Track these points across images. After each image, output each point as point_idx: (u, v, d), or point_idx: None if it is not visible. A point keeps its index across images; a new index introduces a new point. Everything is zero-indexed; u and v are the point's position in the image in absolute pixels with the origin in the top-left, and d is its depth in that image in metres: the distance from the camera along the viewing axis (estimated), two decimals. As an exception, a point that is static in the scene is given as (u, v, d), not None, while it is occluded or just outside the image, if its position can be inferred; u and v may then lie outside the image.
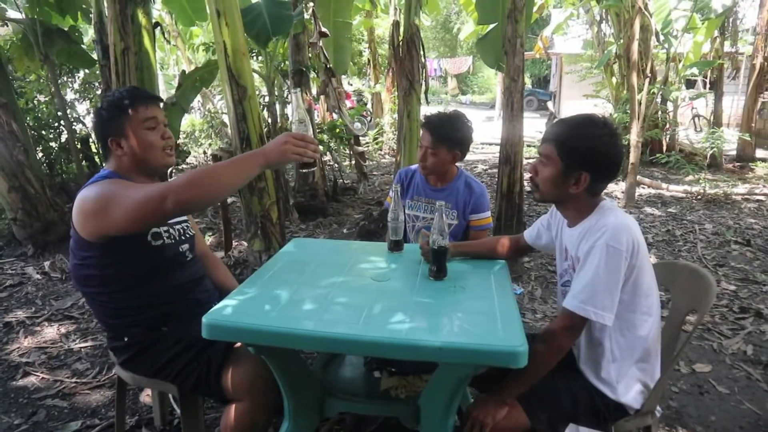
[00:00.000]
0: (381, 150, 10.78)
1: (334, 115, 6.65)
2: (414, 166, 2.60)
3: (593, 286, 1.42)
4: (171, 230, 1.80)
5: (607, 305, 1.41)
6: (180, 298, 1.77)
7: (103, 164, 1.81)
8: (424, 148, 2.38)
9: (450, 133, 2.36)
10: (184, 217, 1.92)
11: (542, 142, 1.60)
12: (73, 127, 5.81)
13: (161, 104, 1.80)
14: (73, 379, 2.64)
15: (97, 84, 6.55)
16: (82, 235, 1.60)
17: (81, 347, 2.97)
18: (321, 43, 5.39)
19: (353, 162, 7.48)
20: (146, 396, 2.46)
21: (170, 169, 7.11)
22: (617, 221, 1.46)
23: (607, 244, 1.42)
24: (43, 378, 2.66)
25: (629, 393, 1.53)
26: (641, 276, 1.48)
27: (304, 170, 1.67)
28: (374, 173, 8.47)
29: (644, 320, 1.51)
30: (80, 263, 1.67)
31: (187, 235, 1.89)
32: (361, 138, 7.92)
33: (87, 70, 6.39)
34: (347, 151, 7.39)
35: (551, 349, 1.46)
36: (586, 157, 1.50)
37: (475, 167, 9.19)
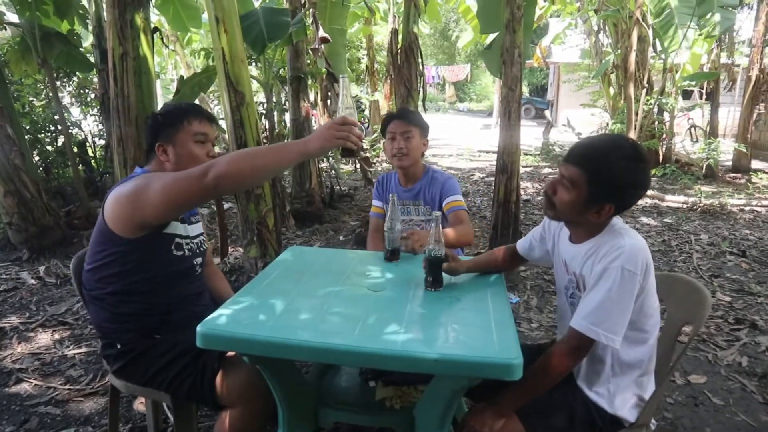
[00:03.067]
0: (378, 157, 10.80)
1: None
2: (391, 172, 2.66)
3: (605, 309, 1.39)
4: (191, 243, 1.83)
5: (618, 329, 1.39)
6: (180, 309, 1.77)
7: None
8: (397, 134, 2.42)
9: (419, 119, 2.48)
10: (201, 230, 1.95)
11: (567, 161, 1.49)
12: (70, 131, 5.80)
13: (214, 125, 1.85)
14: (67, 386, 2.62)
15: (89, 89, 6.55)
16: (114, 229, 1.61)
17: (75, 353, 2.96)
18: (323, 49, 5.41)
19: (355, 168, 7.48)
20: (140, 404, 2.45)
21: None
22: (633, 243, 1.42)
23: (623, 267, 1.39)
24: (36, 385, 2.64)
25: (625, 406, 1.52)
26: (648, 297, 1.47)
27: (346, 156, 1.66)
28: (375, 179, 8.48)
29: (646, 338, 1.51)
30: (101, 263, 1.68)
31: (202, 250, 1.91)
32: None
33: (81, 76, 6.39)
34: (345, 158, 7.39)
35: (556, 367, 1.45)
36: (617, 191, 1.44)
37: (472, 175, 9.20)
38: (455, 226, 2.37)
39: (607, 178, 1.42)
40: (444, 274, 1.79)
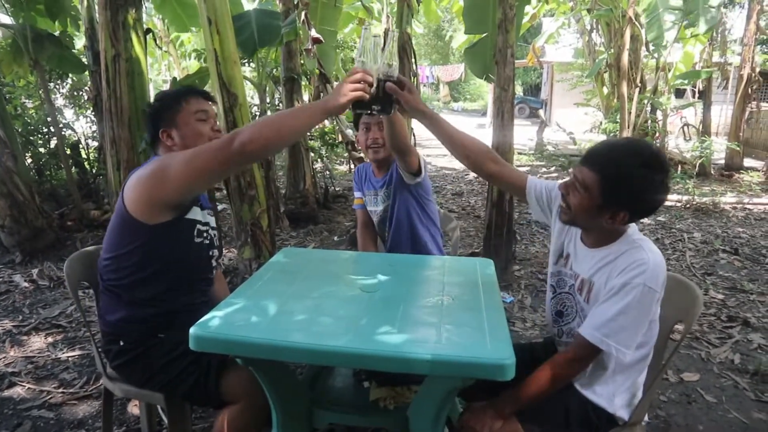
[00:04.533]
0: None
1: (326, 122, 6.66)
2: (368, 163, 2.60)
3: (620, 323, 1.38)
4: (210, 231, 1.86)
5: (630, 343, 1.39)
6: (184, 312, 1.75)
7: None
8: (372, 124, 2.36)
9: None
10: (214, 224, 1.96)
11: (583, 164, 1.46)
12: (63, 133, 5.78)
13: (212, 102, 1.88)
14: (60, 390, 2.61)
15: (84, 91, 6.53)
16: (135, 214, 1.62)
17: (68, 356, 2.94)
18: (315, 50, 5.40)
19: (350, 168, 7.48)
20: (134, 406, 2.44)
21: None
22: (656, 259, 1.41)
23: (645, 284, 1.37)
24: (29, 388, 2.62)
25: (621, 404, 1.53)
26: (657, 308, 1.47)
27: (359, 110, 1.62)
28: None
29: (646, 342, 1.51)
30: (123, 251, 1.67)
31: (216, 243, 1.92)
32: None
33: (74, 77, 6.37)
34: (337, 158, 7.39)
35: (561, 373, 1.45)
36: (631, 199, 1.41)
37: (466, 175, 9.21)
38: None
39: (622, 185, 1.38)
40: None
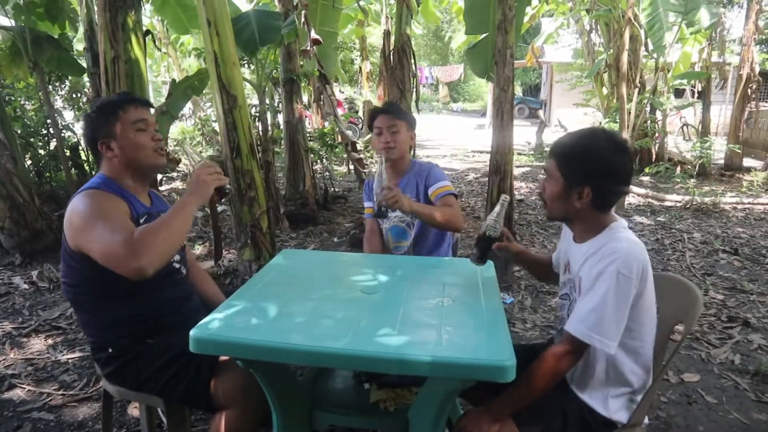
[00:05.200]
0: (372, 158, 10.80)
1: (325, 123, 6.67)
2: None
3: (600, 314, 1.39)
4: None
5: (612, 334, 1.39)
6: (169, 313, 1.76)
7: (93, 172, 1.81)
8: (384, 129, 2.43)
9: (405, 113, 2.53)
10: None
11: (548, 156, 1.59)
12: (62, 134, 5.78)
13: (151, 109, 1.81)
14: (60, 392, 2.61)
15: (83, 92, 6.53)
16: (70, 245, 1.60)
17: (68, 359, 2.94)
18: (314, 51, 5.41)
19: (350, 168, 7.48)
20: (134, 408, 2.44)
21: (160, 176, 7.07)
22: (629, 247, 1.42)
23: (618, 271, 1.39)
24: (29, 390, 2.62)
25: (618, 407, 1.53)
26: (644, 303, 1.47)
27: (219, 198, 1.72)
28: (364, 180, 8.48)
29: (641, 345, 1.51)
30: (73, 280, 1.67)
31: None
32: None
33: (71, 79, 6.36)
34: (337, 159, 7.39)
35: (550, 371, 1.45)
36: (588, 171, 1.48)
37: (466, 176, 9.22)
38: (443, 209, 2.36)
39: (575, 160, 1.50)
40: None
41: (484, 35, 5.06)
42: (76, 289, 1.69)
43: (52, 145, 6.00)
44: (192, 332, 1.39)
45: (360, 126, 12.82)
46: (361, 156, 7.66)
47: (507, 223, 4.02)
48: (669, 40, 7.30)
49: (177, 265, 1.84)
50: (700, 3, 6.61)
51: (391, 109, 2.53)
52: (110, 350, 1.71)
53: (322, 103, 6.24)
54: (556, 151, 1.55)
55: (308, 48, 5.07)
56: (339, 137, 6.58)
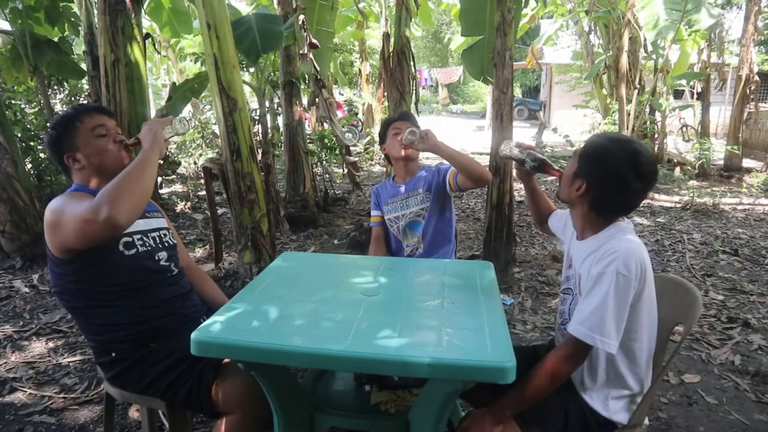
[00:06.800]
0: (372, 160, 10.81)
1: (325, 125, 6.67)
2: (384, 181, 2.85)
3: (601, 314, 1.40)
4: (145, 238, 1.79)
5: (613, 334, 1.40)
6: (168, 313, 1.76)
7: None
8: (402, 129, 2.54)
9: (417, 122, 2.71)
10: (164, 225, 1.92)
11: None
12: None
13: (108, 114, 1.83)
14: (61, 395, 2.61)
15: (82, 96, 6.54)
16: (51, 250, 1.60)
17: (69, 362, 2.95)
18: (311, 55, 5.41)
19: (345, 172, 7.50)
20: (135, 411, 2.44)
21: (160, 179, 7.03)
22: (628, 247, 1.44)
23: (617, 271, 1.40)
24: (30, 394, 2.63)
25: (619, 408, 1.54)
26: (642, 302, 1.47)
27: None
28: (365, 183, 8.48)
29: (640, 347, 1.52)
30: (61, 287, 1.68)
31: (166, 244, 1.87)
32: (351, 148, 7.95)
33: (70, 82, 6.38)
34: (336, 161, 7.40)
35: (554, 373, 1.45)
36: (593, 168, 1.52)
37: (465, 177, 9.20)
38: None
39: (592, 155, 1.54)
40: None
41: (480, 37, 5.08)
42: (68, 296, 1.69)
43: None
44: (193, 335, 1.39)
45: (360, 129, 12.83)
46: (355, 160, 7.67)
47: (507, 223, 4.04)
48: (668, 39, 7.31)
49: (166, 263, 1.83)
50: (699, 4, 6.62)
51: (407, 116, 2.75)
52: (113, 354, 1.72)
53: (317, 107, 6.24)
54: (589, 140, 1.61)
55: (306, 52, 5.08)
56: (336, 141, 6.59)
